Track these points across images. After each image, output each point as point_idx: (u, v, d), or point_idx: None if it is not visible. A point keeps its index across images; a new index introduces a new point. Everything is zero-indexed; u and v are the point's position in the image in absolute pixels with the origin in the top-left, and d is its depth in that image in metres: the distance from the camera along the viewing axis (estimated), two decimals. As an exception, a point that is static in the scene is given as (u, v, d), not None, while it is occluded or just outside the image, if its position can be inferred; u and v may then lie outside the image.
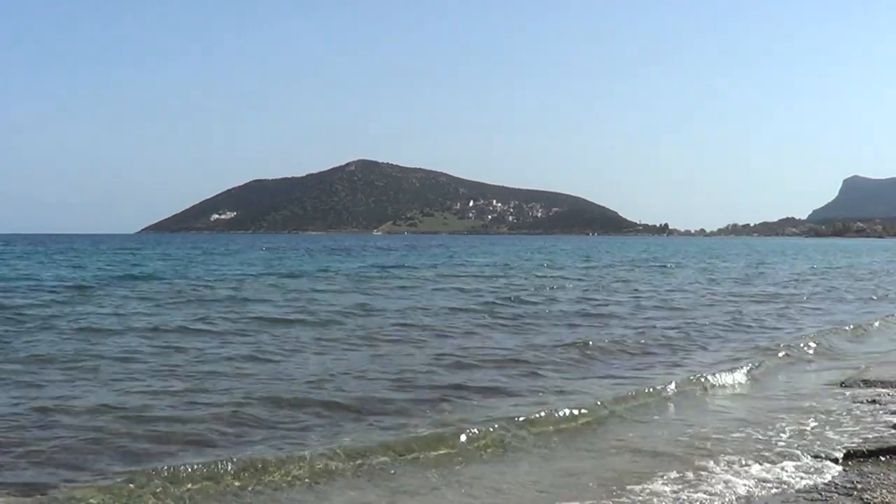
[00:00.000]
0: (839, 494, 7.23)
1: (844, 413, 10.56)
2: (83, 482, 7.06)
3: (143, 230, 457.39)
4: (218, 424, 9.03)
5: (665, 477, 7.74)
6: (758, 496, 7.25)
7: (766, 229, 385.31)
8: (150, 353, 13.68)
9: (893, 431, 9.37)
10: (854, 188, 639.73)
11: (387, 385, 11.38)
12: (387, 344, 15.55)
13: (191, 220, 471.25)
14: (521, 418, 9.36)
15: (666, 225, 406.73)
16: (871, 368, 14.00)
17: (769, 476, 7.80)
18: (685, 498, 7.18)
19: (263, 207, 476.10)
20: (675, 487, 7.45)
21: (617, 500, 7.12)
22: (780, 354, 15.04)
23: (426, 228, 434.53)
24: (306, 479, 7.40)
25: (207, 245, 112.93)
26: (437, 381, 11.73)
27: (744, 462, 8.29)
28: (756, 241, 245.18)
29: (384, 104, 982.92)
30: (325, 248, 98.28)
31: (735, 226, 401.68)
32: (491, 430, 8.88)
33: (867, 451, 8.53)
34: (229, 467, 7.38)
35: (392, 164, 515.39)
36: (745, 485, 7.54)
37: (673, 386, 11.63)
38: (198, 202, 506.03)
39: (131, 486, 6.87)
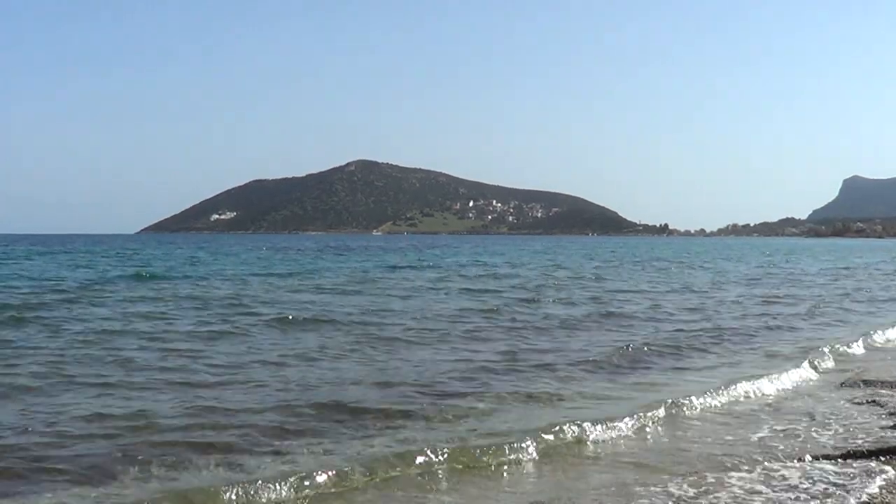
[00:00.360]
0: (840, 494, 7.26)
1: (844, 413, 10.61)
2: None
3: (143, 230, 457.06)
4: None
5: (673, 483, 7.80)
6: (758, 495, 7.27)
7: (766, 229, 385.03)
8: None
9: (893, 432, 9.43)
10: (854, 188, 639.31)
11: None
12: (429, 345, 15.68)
13: (191, 221, 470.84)
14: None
15: (666, 225, 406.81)
16: (871, 369, 14.07)
17: (769, 476, 7.86)
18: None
19: (263, 207, 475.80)
20: (683, 492, 7.50)
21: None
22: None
23: (426, 229, 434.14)
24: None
25: (214, 245, 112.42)
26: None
27: (744, 462, 8.36)
28: (759, 241, 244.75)
29: (384, 104, 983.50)
30: (331, 248, 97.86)
31: (735, 226, 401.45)
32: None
33: (867, 451, 8.57)
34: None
35: (392, 164, 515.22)
36: (745, 484, 7.58)
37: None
38: (198, 202, 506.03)
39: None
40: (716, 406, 10.87)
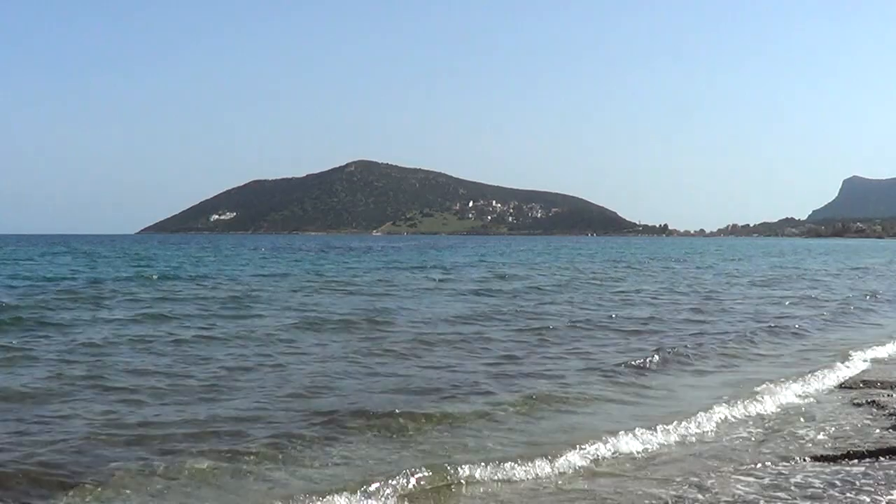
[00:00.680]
0: (840, 494, 7.33)
1: (844, 414, 10.66)
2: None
3: (143, 230, 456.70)
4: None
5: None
6: (758, 496, 7.33)
7: (766, 230, 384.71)
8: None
9: (893, 432, 9.48)
10: (854, 188, 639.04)
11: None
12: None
13: (191, 221, 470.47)
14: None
15: (665, 225, 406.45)
16: (871, 370, 14.12)
17: (770, 476, 7.92)
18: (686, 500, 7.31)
19: (263, 208, 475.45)
20: (684, 493, 7.57)
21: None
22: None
23: (426, 229, 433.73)
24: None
25: (224, 245, 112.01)
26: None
27: (743, 461, 8.42)
28: (761, 241, 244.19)
29: (384, 104, 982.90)
30: (338, 248, 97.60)
31: (735, 226, 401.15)
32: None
33: (867, 451, 8.62)
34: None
35: (391, 165, 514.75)
36: (744, 484, 7.64)
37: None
38: (198, 202, 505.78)
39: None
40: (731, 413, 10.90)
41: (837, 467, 8.15)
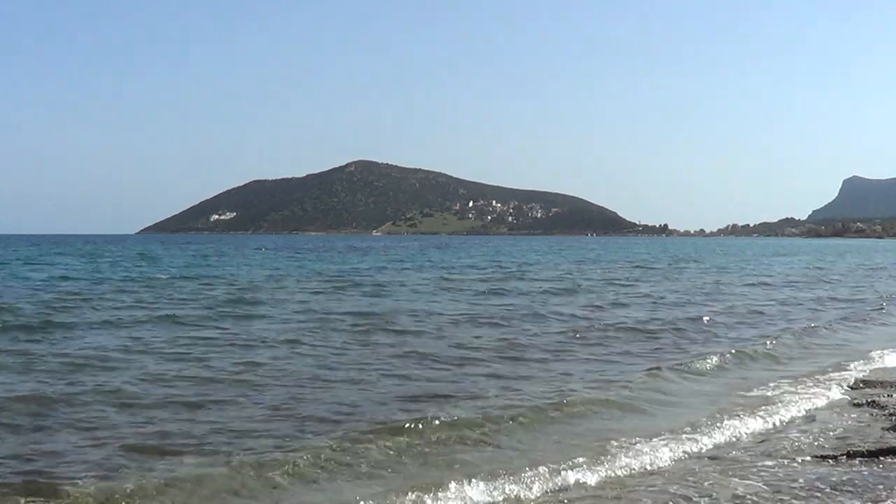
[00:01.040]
0: (840, 494, 7.34)
1: (844, 414, 10.68)
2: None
3: (143, 230, 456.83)
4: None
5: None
6: (759, 495, 7.36)
7: (766, 229, 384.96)
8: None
9: (893, 432, 9.49)
10: (854, 188, 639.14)
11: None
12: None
13: (191, 221, 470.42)
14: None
15: (665, 225, 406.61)
16: (872, 370, 14.15)
17: (770, 475, 7.92)
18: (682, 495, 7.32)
19: (263, 208, 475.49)
20: (684, 492, 7.58)
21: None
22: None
23: (426, 229, 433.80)
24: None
25: (226, 245, 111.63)
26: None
27: (744, 462, 8.43)
28: (763, 241, 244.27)
29: (384, 104, 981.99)
30: (343, 248, 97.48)
31: (735, 226, 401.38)
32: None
33: (867, 451, 8.64)
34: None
35: (391, 165, 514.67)
36: (744, 484, 7.67)
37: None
38: (197, 202, 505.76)
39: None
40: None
41: (837, 467, 8.17)
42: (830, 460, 8.41)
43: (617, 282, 37.71)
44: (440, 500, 7.22)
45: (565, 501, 7.37)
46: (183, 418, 9.69)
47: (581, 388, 11.87)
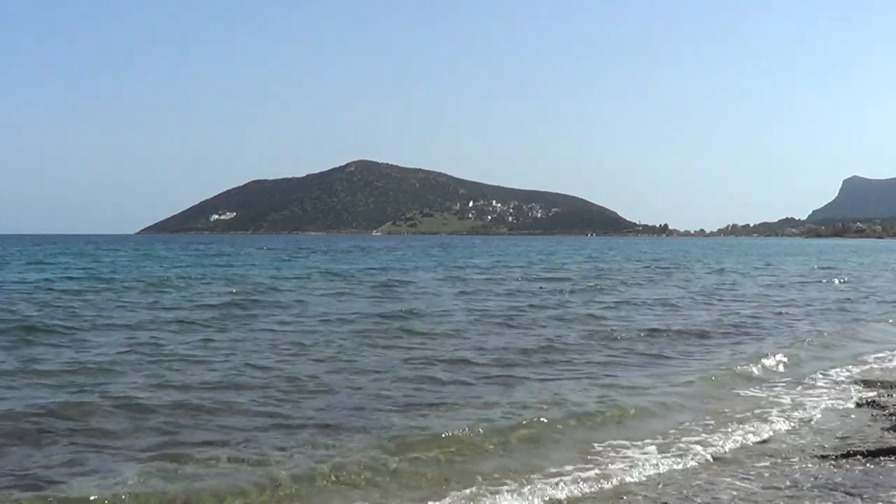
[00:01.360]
0: (840, 494, 7.34)
1: (844, 414, 10.67)
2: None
3: (143, 230, 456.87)
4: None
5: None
6: (759, 496, 7.35)
7: (766, 229, 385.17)
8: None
9: (893, 433, 9.48)
10: (853, 188, 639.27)
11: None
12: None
13: (191, 221, 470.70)
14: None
15: (665, 225, 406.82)
16: (873, 370, 14.14)
17: (770, 475, 7.91)
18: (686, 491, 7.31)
19: (263, 208, 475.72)
20: (684, 492, 7.56)
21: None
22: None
23: (426, 229, 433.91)
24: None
25: (231, 246, 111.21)
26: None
27: (744, 462, 8.42)
28: (766, 241, 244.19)
29: (384, 104, 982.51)
30: (347, 248, 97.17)
31: (735, 226, 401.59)
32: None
33: (867, 451, 8.63)
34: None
35: (391, 165, 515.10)
36: (745, 485, 7.65)
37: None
38: (197, 202, 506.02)
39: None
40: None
41: (837, 467, 8.16)
42: (830, 460, 8.40)
43: (633, 282, 37.76)
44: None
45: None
46: (203, 425, 9.54)
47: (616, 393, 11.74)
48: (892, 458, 8.39)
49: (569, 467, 8.21)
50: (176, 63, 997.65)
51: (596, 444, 9.09)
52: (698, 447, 9.01)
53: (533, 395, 11.36)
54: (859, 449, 8.72)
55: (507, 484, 7.67)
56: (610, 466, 8.30)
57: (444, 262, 57.81)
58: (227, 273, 41.20)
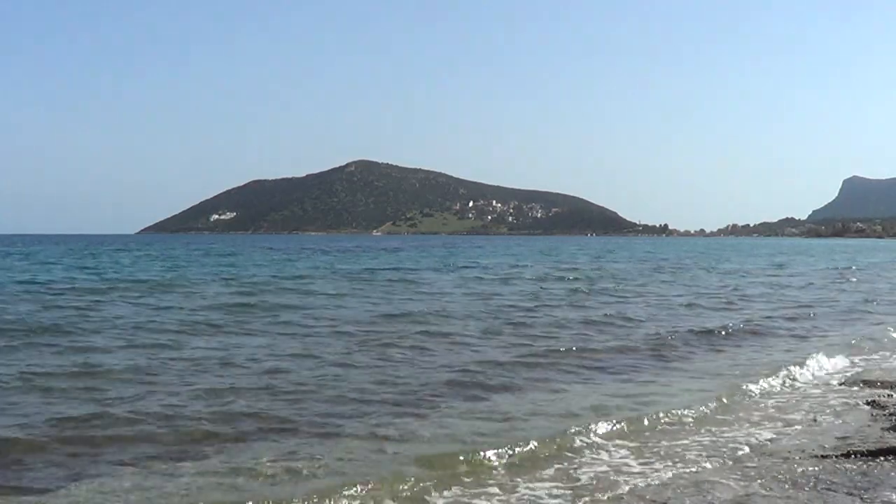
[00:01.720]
0: (840, 494, 7.33)
1: (844, 414, 10.67)
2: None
3: (143, 230, 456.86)
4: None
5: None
6: (758, 495, 7.35)
7: (766, 229, 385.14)
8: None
9: (893, 433, 9.48)
10: (853, 188, 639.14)
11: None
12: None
13: (191, 221, 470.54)
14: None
15: (666, 225, 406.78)
16: (873, 370, 14.14)
17: (770, 475, 7.91)
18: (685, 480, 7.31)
19: (263, 208, 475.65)
20: (681, 493, 7.57)
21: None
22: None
23: (426, 229, 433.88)
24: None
25: (236, 246, 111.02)
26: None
27: (744, 461, 8.42)
28: (764, 241, 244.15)
29: (384, 104, 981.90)
30: (352, 248, 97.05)
31: (735, 226, 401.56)
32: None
33: (867, 451, 8.63)
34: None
35: (391, 165, 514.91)
36: (744, 484, 7.65)
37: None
38: (197, 202, 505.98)
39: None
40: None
41: (837, 467, 8.16)
42: (830, 460, 8.40)
43: (642, 283, 37.74)
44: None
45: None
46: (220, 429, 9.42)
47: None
48: (892, 458, 8.39)
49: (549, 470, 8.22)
50: (176, 63, 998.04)
51: (589, 441, 9.12)
52: (698, 447, 9.03)
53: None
54: (859, 449, 8.71)
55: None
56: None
57: (454, 263, 57.69)
58: (238, 273, 40.98)
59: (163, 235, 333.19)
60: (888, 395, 11.63)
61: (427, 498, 7.30)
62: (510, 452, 8.43)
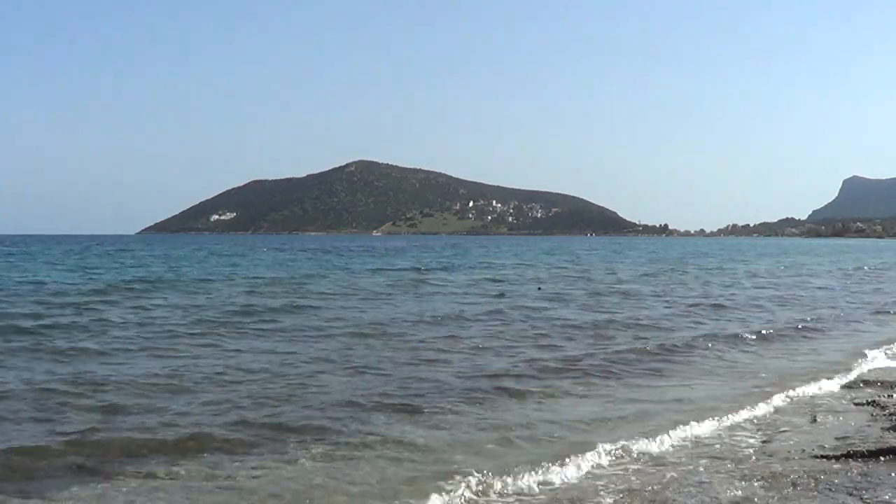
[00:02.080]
0: (840, 494, 7.36)
1: (844, 414, 10.70)
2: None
3: (143, 230, 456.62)
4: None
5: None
6: (759, 495, 7.36)
7: (766, 229, 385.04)
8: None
9: (893, 433, 9.51)
10: (853, 188, 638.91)
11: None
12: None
13: (191, 221, 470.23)
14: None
15: (666, 225, 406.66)
16: (872, 370, 14.17)
17: (770, 475, 7.93)
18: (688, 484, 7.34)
19: (263, 208, 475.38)
20: (680, 494, 7.59)
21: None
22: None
23: (426, 229, 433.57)
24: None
25: (238, 246, 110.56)
26: None
27: (745, 461, 8.46)
28: (767, 241, 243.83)
29: (384, 104, 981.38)
30: (355, 249, 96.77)
31: (735, 226, 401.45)
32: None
33: (867, 451, 8.66)
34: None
35: (392, 165, 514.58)
36: (745, 484, 7.67)
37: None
38: (197, 202, 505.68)
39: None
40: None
41: (837, 467, 8.18)
42: (830, 460, 8.42)
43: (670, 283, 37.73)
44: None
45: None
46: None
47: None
48: (892, 458, 8.41)
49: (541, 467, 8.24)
50: (176, 63, 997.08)
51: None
52: (698, 446, 9.06)
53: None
54: (859, 449, 8.73)
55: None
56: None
57: (467, 263, 57.40)
58: (248, 274, 40.58)
59: (163, 235, 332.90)
60: (888, 396, 11.66)
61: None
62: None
